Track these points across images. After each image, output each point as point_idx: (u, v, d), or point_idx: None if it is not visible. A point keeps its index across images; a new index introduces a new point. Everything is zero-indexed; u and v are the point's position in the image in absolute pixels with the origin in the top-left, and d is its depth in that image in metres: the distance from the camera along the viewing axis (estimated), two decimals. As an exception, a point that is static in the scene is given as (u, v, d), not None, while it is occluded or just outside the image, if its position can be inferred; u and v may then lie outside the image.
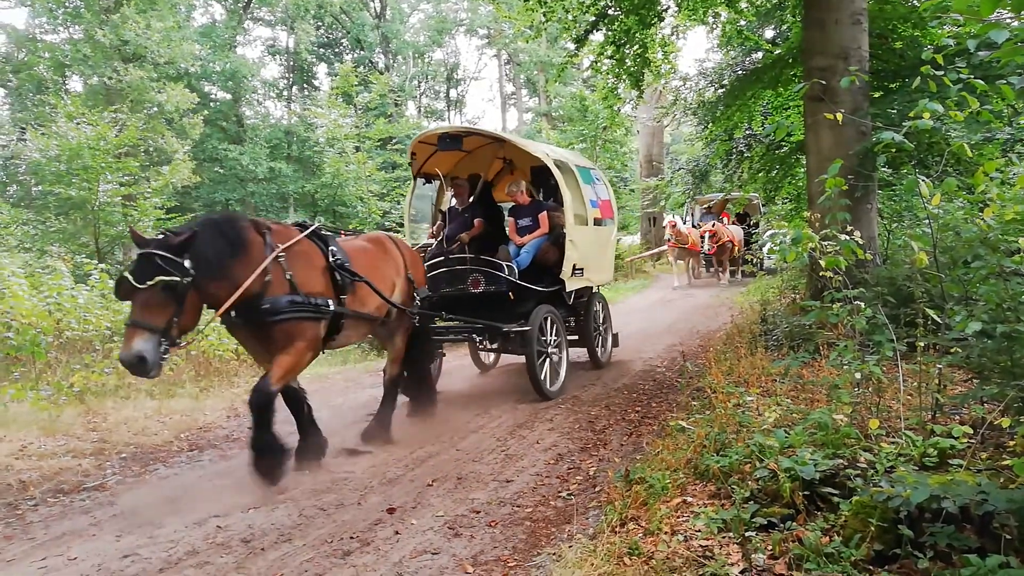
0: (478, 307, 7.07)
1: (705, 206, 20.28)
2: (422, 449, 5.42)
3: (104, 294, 8.35)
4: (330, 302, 4.96)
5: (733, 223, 19.59)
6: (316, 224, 5.30)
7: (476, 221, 7.53)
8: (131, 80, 21.30)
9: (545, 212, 7.54)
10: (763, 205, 20.10)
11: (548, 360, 7.01)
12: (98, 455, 5.57)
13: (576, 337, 8.16)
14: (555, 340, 7.15)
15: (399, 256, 6.12)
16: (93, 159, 13.54)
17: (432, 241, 7.77)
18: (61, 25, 23.56)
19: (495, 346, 7.74)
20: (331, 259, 5.11)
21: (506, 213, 8.11)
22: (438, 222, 8.00)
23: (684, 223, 19.16)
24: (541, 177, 8.22)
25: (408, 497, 4.38)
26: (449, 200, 8.28)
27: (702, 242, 17.73)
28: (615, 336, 8.97)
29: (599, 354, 8.45)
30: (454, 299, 7.13)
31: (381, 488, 4.58)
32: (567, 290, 7.42)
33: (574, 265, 7.33)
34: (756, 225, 20.53)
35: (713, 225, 17.83)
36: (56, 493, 4.80)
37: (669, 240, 17.67)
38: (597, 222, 8.15)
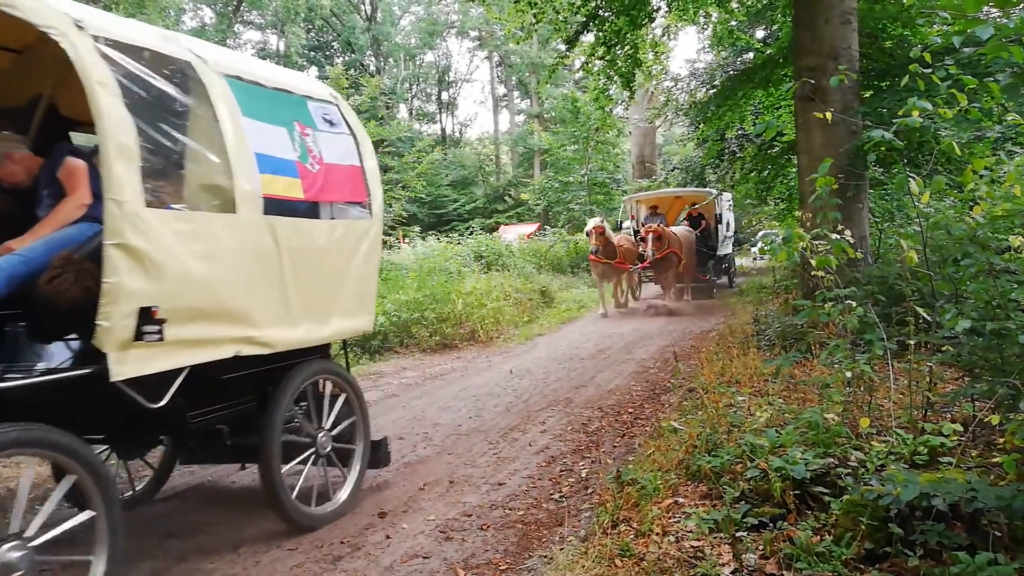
0: None
1: (651, 206, 16.21)
2: (412, 452, 5.40)
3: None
4: None
5: (683, 222, 15.96)
6: None
7: None
8: (121, 84, 21.25)
9: (72, 164, 3.34)
10: (746, 210, 18.81)
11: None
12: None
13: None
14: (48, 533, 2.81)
15: None
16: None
17: None
18: (50, 29, 23.51)
19: None
20: None
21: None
22: None
23: (620, 228, 15.93)
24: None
25: (399, 501, 4.35)
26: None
27: (643, 244, 13.26)
28: (380, 445, 4.47)
29: (293, 509, 3.78)
30: None
31: (372, 492, 4.55)
32: (126, 377, 2.84)
33: (145, 310, 2.87)
34: (715, 229, 16.22)
35: (659, 224, 13.67)
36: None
37: (594, 253, 13.05)
38: (288, 207, 3.75)
